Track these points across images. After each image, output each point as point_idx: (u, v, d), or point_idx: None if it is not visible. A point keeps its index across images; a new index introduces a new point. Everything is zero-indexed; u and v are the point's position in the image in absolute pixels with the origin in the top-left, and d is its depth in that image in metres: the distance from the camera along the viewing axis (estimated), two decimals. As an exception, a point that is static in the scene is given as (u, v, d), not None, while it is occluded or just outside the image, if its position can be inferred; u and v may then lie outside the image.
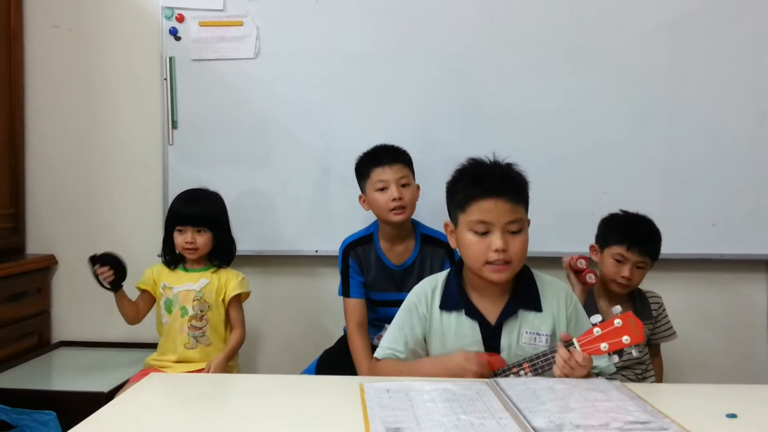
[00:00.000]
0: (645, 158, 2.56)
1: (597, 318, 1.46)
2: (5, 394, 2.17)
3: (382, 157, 2.21)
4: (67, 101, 2.75)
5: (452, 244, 1.64)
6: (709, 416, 1.25)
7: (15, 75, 2.69)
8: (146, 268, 2.26)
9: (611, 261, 2.09)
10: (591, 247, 2.19)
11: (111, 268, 2.11)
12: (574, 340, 1.46)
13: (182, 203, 2.20)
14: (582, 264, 2.09)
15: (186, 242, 2.16)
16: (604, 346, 1.43)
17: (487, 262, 1.52)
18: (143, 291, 2.24)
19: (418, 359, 1.64)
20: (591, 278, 2.10)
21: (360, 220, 2.38)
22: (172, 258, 2.23)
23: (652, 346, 2.24)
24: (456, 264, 1.67)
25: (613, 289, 2.11)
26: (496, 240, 1.51)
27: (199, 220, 2.17)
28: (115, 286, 2.14)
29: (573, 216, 2.52)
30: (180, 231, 2.17)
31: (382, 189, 2.17)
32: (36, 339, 2.70)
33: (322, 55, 2.60)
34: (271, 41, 2.62)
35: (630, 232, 2.09)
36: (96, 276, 2.12)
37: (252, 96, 2.64)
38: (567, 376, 1.43)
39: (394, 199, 2.14)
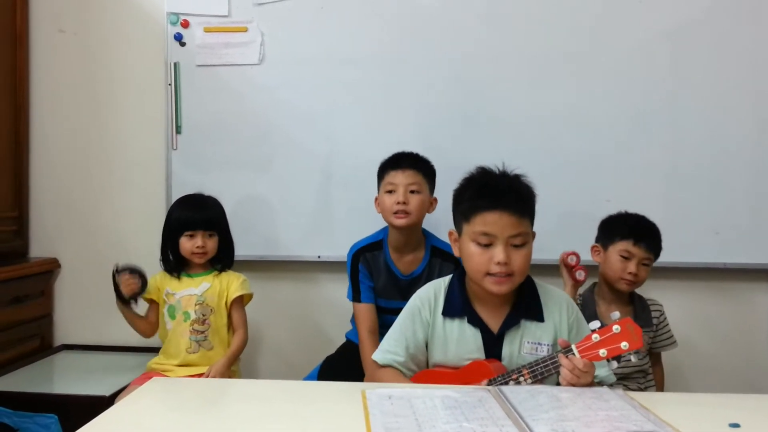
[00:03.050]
0: (647, 165, 2.55)
1: (596, 324, 1.47)
2: (7, 397, 2.17)
3: (398, 161, 2.22)
4: (71, 105, 2.76)
5: (455, 252, 1.64)
6: (712, 426, 1.25)
7: (20, 79, 2.70)
8: (149, 278, 2.24)
9: (617, 258, 2.09)
10: (593, 247, 2.19)
11: (139, 277, 2.11)
12: (573, 347, 1.46)
13: (190, 208, 2.20)
14: (573, 260, 2.13)
15: (197, 247, 2.16)
16: (602, 352, 1.44)
17: (489, 274, 1.52)
18: (151, 301, 2.23)
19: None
20: (580, 275, 2.15)
21: (362, 226, 2.38)
22: (174, 264, 2.22)
23: (653, 354, 2.23)
24: (459, 270, 1.67)
25: (619, 287, 2.11)
26: (498, 253, 1.51)
27: (210, 224, 2.19)
28: (134, 296, 2.13)
29: (575, 223, 2.51)
30: (190, 236, 2.17)
31: (390, 191, 2.18)
32: (38, 342, 2.69)
33: (326, 60, 2.61)
34: (275, 47, 2.62)
35: (635, 228, 2.10)
36: (116, 285, 2.10)
37: (256, 101, 2.64)
38: (573, 384, 1.43)
39: (398, 203, 2.15)
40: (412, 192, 2.17)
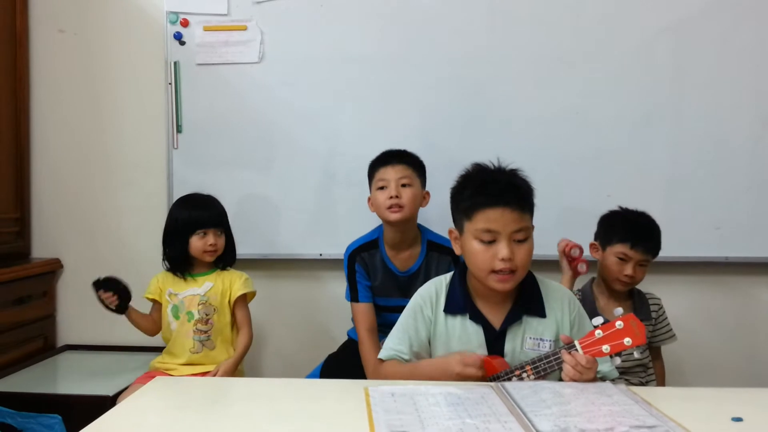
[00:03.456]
0: (649, 162, 2.55)
1: (599, 320, 1.47)
2: (11, 397, 2.17)
3: (387, 158, 2.23)
4: (72, 105, 2.76)
5: (456, 250, 1.64)
6: (714, 420, 1.26)
7: (20, 79, 2.70)
8: (152, 278, 2.24)
9: (614, 260, 2.09)
10: (591, 245, 2.19)
11: (115, 293, 2.10)
12: (576, 342, 1.46)
13: (198, 208, 2.19)
14: (576, 253, 2.12)
15: (209, 245, 2.16)
16: (605, 348, 1.44)
17: (493, 271, 1.52)
18: (154, 301, 2.23)
19: (419, 361, 1.64)
20: (582, 267, 2.13)
21: (364, 223, 2.38)
22: (180, 265, 2.21)
23: (652, 348, 2.23)
24: (460, 267, 1.67)
25: (615, 287, 2.11)
26: (502, 249, 1.50)
27: (219, 222, 2.19)
28: (121, 309, 2.13)
29: (577, 219, 2.51)
30: (202, 235, 2.16)
31: (382, 188, 2.19)
32: (41, 342, 2.70)
33: (327, 59, 2.61)
34: (275, 45, 2.62)
35: (633, 231, 2.09)
36: (101, 300, 2.11)
37: (256, 100, 2.64)
38: (576, 380, 1.43)
39: (390, 197, 2.15)
40: (403, 186, 2.17)
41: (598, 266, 2.17)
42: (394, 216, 2.15)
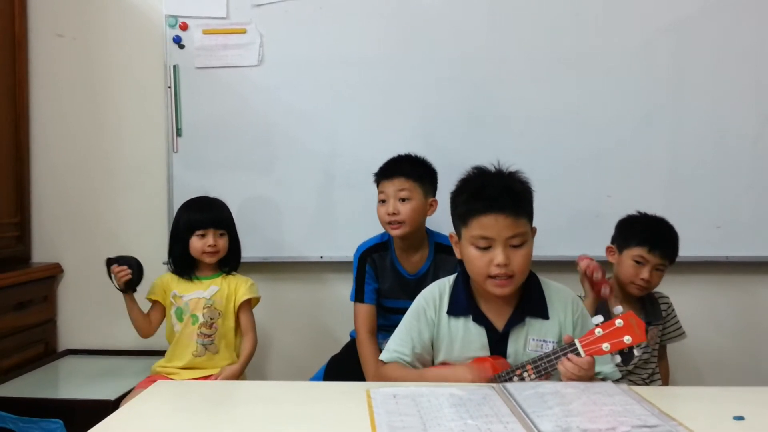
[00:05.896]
0: (649, 161, 2.55)
1: (599, 318, 1.47)
2: (12, 402, 2.17)
3: (387, 170, 2.22)
4: (71, 110, 2.76)
5: (457, 254, 1.64)
6: (716, 419, 1.25)
7: (19, 84, 2.70)
8: (155, 279, 2.24)
9: (631, 263, 2.08)
10: (608, 248, 2.17)
11: (129, 267, 2.12)
12: (576, 341, 1.46)
13: (199, 209, 2.20)
14: (598, 277, 2.05)
15: (208, 246, 2.16)
16: (605, 346, 1.43)
17: (490, 276, 1.52)
18: (154, 302, 2.23)
19: (425, 369, 1.64)
20: (605, 291, 2.07)
21: (364, 226, 2.38)
22: (183, 267, 2.21)
23: (660, 347, 2.23)
24: (463, 269, 1.67)
25: (630, 291, 2.10)
26: (497, 255, 1.50)
27: (220, 223, 2.19)
28: (130, 286, 2.14)
29: (578, 219, 2.51)
30: (201, 235, 2.16)
31: (383, 200, 2.19)
32: (42, 347, 2.70)
33: (326, 61, 2.61)
34: (274, 48, 2.62)
35: (651, 234, 2.08)
36: (110, 275, 2.12)
37: (256, 103, 2.64)
38: (573, 379, 1.43)
39: (389, 214, 2.15)
40: (402, 200, 2.16)
41: (613, 270, 2.16)
42: (394, 232, 2.17)
